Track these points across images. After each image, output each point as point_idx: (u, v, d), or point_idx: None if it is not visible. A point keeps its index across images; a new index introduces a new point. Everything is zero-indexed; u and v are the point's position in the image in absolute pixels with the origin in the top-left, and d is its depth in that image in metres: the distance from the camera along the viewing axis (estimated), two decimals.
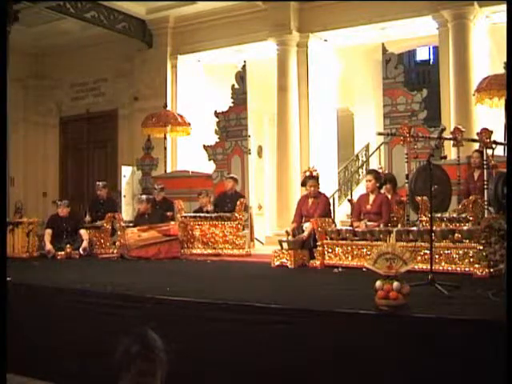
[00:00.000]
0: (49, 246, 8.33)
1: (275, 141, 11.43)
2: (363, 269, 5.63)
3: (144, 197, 8.87)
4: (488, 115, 9.29)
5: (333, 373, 3.60)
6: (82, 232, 8.61)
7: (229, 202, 8.84)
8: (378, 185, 7.08)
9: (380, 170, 7.33)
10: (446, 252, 5.75)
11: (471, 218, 5.88)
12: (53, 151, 14.19)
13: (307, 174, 7.48)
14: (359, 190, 11.17)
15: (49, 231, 8.49)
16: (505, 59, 6.19)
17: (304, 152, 11.06)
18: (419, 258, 5.78)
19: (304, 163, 10.58)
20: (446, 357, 3.30)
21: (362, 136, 14.01)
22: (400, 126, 7.00)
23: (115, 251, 8.59)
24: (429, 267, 4.80)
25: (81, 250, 8.36)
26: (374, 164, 12.19)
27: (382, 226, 6.63)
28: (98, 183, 9.94)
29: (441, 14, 9.78)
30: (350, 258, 6.49)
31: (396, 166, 8.36)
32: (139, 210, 8.78)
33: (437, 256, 5.65)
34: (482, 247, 5.46)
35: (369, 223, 6.76)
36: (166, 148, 11.57)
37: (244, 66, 10.28)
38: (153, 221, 8.49)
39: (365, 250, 6.32)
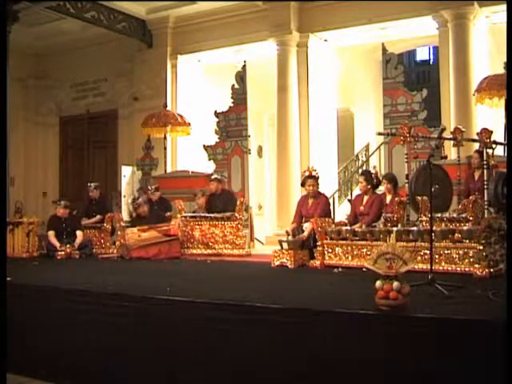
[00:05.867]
0: (57, 244, 8.39)
1: (275, 141, 11.42)
2: (363, 269, 5.63)
3: (141, 200, 8.83)
4: (488, 115, 9.29)
5: (333, 373, 3.60)
6: (78, 233, 8.66)
7: (219, 203, 8.83)
8: (369, 186, 7.08)
9: (373, 171, 7.31)
10: (446, 252, 5.74)
11: (471, 218, 5.87)
12: (53, 151, 14.20)
13: (306, 173, 7.47)
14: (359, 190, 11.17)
15: (52, 233, 8.55)
16: (505, 59, 6.21)
17: (304, 152, 11.05)
18: (419, 258, 5.77)
19: (304, 163, 10.56)
20: (446, 357, 3.30)
21: (362, 136, 14.02)
22: (400, 126, 6.98)
23: (115, 251, 8.59)
24: (429, 267, 4.79)
25: (75, 245, 8.44)
26: (373, 164, 12.18)
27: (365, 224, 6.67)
28: (89, 185, 9.86)
29: (441, 14, 9.78)
30: (349, 258, 6.48)
31: (396, 166, 8.37)
32: (139, 214, 8.72)
33: (437, 256, 5.65)
34: (482, 247, 5.46)
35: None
36: (165, 148, 11.58)
37: (244, 65, 10.29)
38: (150, 221, 8.47)
39: (365, 250, 6.31)
